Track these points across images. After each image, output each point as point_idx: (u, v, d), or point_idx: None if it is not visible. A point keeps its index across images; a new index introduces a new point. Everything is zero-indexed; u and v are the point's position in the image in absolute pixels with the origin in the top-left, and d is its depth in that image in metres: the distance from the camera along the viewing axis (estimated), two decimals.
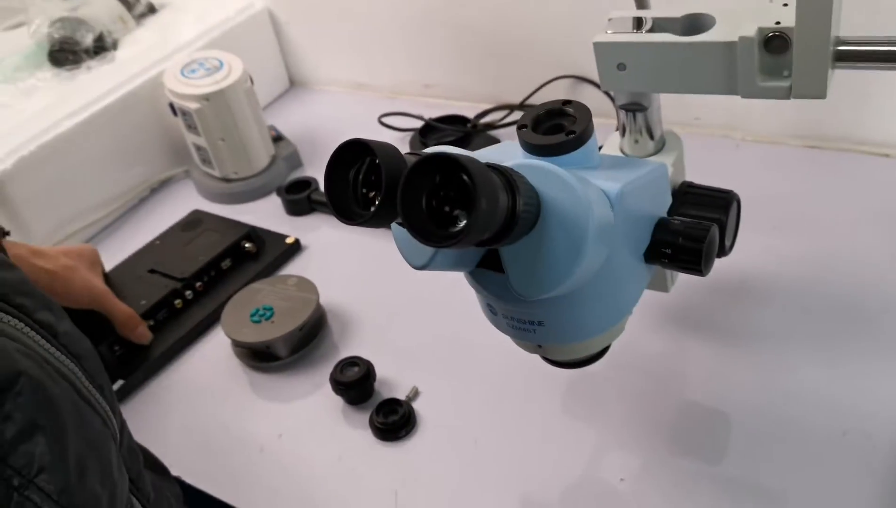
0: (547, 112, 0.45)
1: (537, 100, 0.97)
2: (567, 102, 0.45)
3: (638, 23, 0.53)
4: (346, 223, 0.35)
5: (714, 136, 0.89)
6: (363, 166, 0.36)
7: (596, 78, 0.93)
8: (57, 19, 1.03)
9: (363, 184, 0.36)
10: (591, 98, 0.95)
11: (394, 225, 0.43)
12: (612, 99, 0.93)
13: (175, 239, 0.85)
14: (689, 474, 0.55)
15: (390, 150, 0.34)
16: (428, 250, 0.42)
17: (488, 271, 0.43)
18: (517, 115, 0.97)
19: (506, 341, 0.64)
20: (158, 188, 1.02)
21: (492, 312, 0.46)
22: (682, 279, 0.60)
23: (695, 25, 0.50)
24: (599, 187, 0.41)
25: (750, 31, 0.46)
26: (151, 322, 0.74)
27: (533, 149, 0.43)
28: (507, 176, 0.35)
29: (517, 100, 0.99)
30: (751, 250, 0.64)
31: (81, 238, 0.93)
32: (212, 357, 0.74)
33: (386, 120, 1.01)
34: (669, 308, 0.67)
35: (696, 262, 0.44)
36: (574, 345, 0.47)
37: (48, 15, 1.04)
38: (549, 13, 0.93)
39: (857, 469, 0.53)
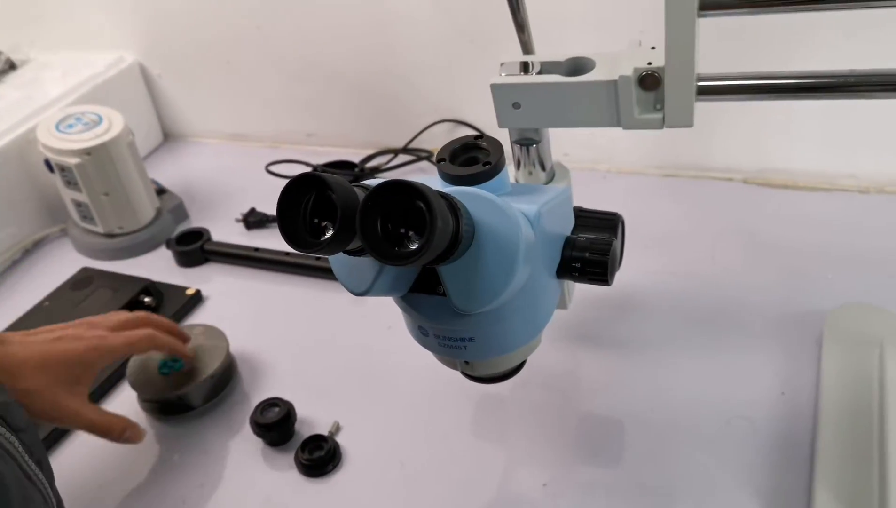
0: (462, 146, 0.49)
1: (418, 144, 1.02)
2: (479, 137, 0.50)
3: (525, 66, 0.59)
4: (300, 251, 0.38)
5: (583, 169, 0.97)
6: (311, 199, 0.39)
7: (472, 121, 1.01)
8: None
9: (311, 214, 0.39)
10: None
11: (331, 257, 0.46)
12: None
13: (65, 299, 0.81)
14: (595, 478, 0.60)
15: (342, 182, 0.37)
16: (367, 277, 0.44)
17: (420, 295, 0.47)
18: (402, 158, 1.02)
19: (416, 368, 0.67)
20: (32, 250, 0.98)
21: (422, 333, 0.49)
22: (576, 297, 0.66)
23: (577, 67, 0.57)
24: (520, 210, 0.45)
25: (627, 70, 0.53)
26: None
27: (453, 179, 0.47)
28: (449, 200, 0.39)
29: (399, 144, 1.04)
30: (628, 269, 0.71)
31: None
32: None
33: (273, 168, 1.02)
34: (565, 325, 0.73)
35: (602, 273, 0.50)
36: (499, 359, 0.51)
37: None
38: (423, 62, 0.99)
39: (744, 452, 0.60)
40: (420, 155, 1.01)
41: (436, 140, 1.03)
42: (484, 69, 0.98)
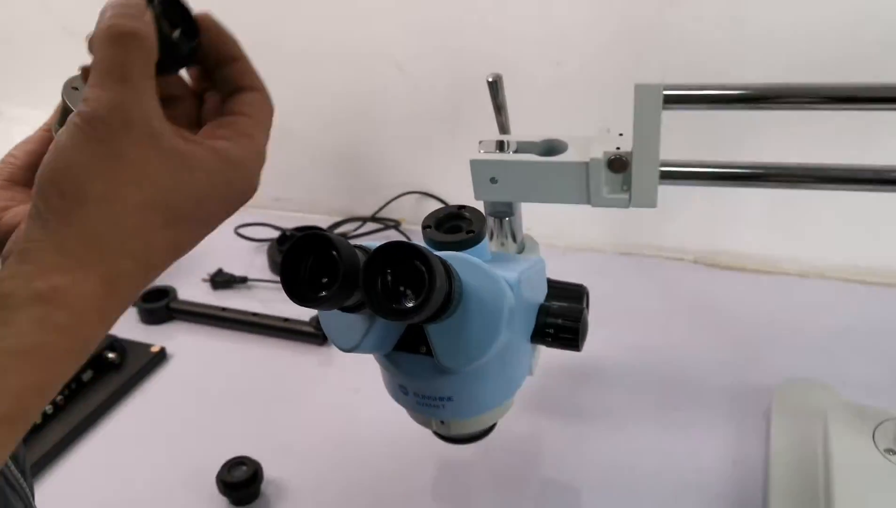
0: (447, 215, 0.52)
1: (386, 213, 1.06)
2: (462, 207, 0.53)
3: (501, 145, 0.63)
4: (301, 305, 0.40)
5: (543, 244, 1.01)
6: (311, 258, 0.41)
7: (438, 194, 1.05)
8: None
9: (311, 272, 0.41)
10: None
11: (321, 313, 0.48)
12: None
13: None
14: None
15: (346, 242, 0.40)
16: (356, 335, 0.47)
17: (403, 353, 0.49)
18: (369, 226, 1.05)
19: (383, 432, 0.69)
20: None
21: (402, 392, 0.51)
22: (540, 366, 0.69)
23: (551, 148, 0.62)
24: (502, 276, 0.49)
25: (598, 154, 0.58)
26: None
27: (439, 245, 0.50)
28: (443, 263, 0.41)
29: (367, 212, 1.07)
30: (588, 341, 0.75)
31: None
32: (79, 474, 0.71)
33: (242, 230, 1.04)
34: (529, 392, 0.75)
35: (574, 339, 0.53)
36: (473, 419, 0.53)
37: None
38: (395, 135, 1.03)
39: None
40: (388, 224, 1.04)
41: (403, 210, 1.06)
42: (453, 146, 1.03)
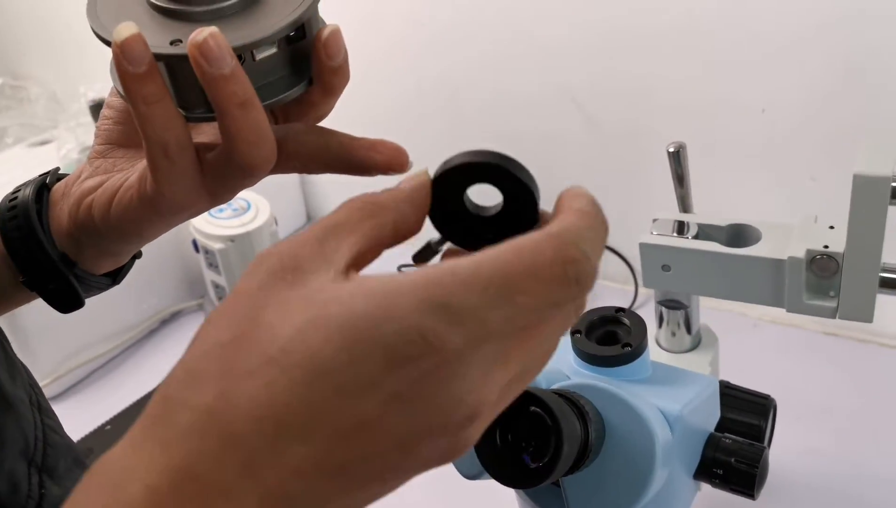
0: (601, 318, 0.45)
1: None
2: (620, 310, 0.45)
3: (680, 226, 0.54)
4: None
5: (730, 312, 0.89)
6: None
7: (614, 245, 0.96)
8: (87, 147, 1.05)
9: None
10: (611, 265, 0.96)
11: None
12: (631, 267, 0.95)
13: None
14: None
15: None
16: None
17: None
18: None
19: None
20: (169, 320, 1.01)
21: None
22: None
23: (740, 236, 0.52)
24: (657, 406, 0.40)
25: (798, 251, 0.47)
26: None
27: (587, 357, 0.43)
28: (577, 406, 0.34)
29: None
30: (775, 443, 0.63)
31: (87, 370, 0.91)
32: None
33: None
34: (700, 505, 0.65)
35: (749, 485, 0.43)
36: None
37: (79, 141, 1.07)
38: (567, 175, 0.96)
39: None
40: None
41: None
42: (631, 193, 0.93)
